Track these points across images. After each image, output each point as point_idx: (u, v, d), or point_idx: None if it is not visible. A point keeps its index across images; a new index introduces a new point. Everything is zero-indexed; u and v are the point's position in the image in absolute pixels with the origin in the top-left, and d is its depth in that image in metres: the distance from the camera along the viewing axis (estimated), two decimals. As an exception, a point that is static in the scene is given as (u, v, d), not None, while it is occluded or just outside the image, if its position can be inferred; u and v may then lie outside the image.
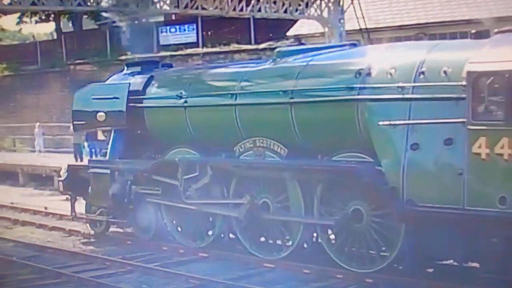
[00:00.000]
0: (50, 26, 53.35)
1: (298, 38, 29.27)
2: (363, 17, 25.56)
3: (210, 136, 14.70)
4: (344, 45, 14.24)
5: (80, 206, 17.45)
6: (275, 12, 25.88)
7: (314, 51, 14.07)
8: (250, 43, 32.71)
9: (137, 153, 16.19)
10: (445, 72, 11.39)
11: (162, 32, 36.83)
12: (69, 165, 17.49)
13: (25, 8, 22.39)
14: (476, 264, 11.59)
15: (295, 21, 29.22)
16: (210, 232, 15.02)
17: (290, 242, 13.64)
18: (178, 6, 24.16)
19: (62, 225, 18.55)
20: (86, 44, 41.08)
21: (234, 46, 32.74)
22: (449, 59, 11.50)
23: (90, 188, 16.47)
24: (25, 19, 48.94)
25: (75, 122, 17.21)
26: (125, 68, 17.29)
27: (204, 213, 14.76)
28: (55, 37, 47.85)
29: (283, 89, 13.38)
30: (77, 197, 17.29)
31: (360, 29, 25.38)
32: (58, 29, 46.01)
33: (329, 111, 12.77)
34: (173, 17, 36.24)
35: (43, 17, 47.41)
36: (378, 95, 12.10)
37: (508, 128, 10.50)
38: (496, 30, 11.71)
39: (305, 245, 13.63)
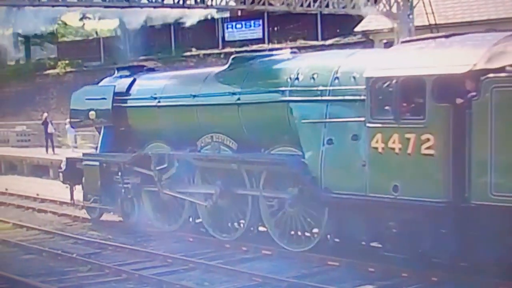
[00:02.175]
0: (114, 22, 51.97)
1: (366, 34, 28.78)
2: (433, 13, 25.15)
3: (178, 132, 16.66)
4: (284, 52, 15.96)
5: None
6: (343, 7, 25.32)
7: (263, 57, 15.89)
8: (316, 39, 32.38)
9: (122, 147, 18.24)
10: (353, 77, 13.18)
11: (227, 28, 36.74)
12: (67, 158, 19.69)
13: (93, 6, 22.65)
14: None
15: (363, 17, 27.66)
16: (180, 217, 16.96)
17: (242, 225, 15.55)
18: (244, 2, 23.81)
19: (122, 222, 18.47)
20: (151, 41, 40.65)
21: (300, 42, 32.14)
22: (358, 66, 13.25)
23: (83, 178, 18.63)
24: (88, 15, 47.66)
25: (72, 120, 19.41)
26: (116, 71, 19.32)
27: (174, 200, 16.74)
28: (118, 33, 47.39)
29: (232, 91, 15.33)
30: (75, 186, 19.38)
31: (429, 25, 24.85)
32: (122, 25, 45.02)
33: (267, 111, 14.66)
34: (239, 13, 35.94)
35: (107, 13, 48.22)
36: (302, 97, 13.95)
37: (398, 126, 12.21)
38: (401, 40, 13.40)
39: (252, 229, 15.50)
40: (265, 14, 33.85)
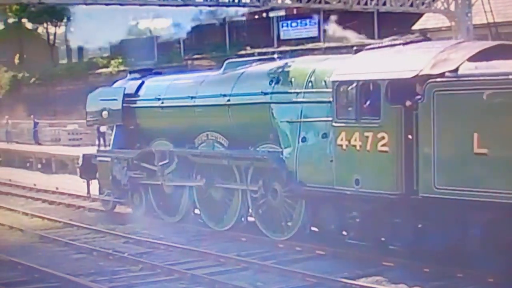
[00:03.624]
0: (168, 21, 53.25)
1: (424, 32, 26.81)
2: (491, 11, 25.05)
3: (179, 131, 18.15)
4: (273, 58, 17.31)
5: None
6: (400, 5, 25.20)
7: (253, 62, 17.28)
8: (373, 38, 30.92)
9: (131, 144, 19.80)
10: (324, 81, 14.51)
11: (282, 26, 36.54)
12: (83, 154, 21.33)
13: (148, 5, 22.86)
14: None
15: (420, 15, 28.13)
16: (180, 209, 18.42)
17: (234, 218, 16.95)
18: (300, 1, 23.83)
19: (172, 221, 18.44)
20: (205, 39, 40.43)
21: (356, 41, 32.57)
22: (329, 70, 14.55)
23: (97, 173, 20.25)
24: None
25: (88, 119, 21.04)
26: (128, 74, 20.90)
27: (175, 192, 18.23)
28: (172, 32, 46.30)
29: (223, 93, 16.76)
30: (91, 181, 21.00)
31: (488, 23, 24.88)
32: (176, 23, 44.64)
33: (253, 112, 16.07)
34: (295, 11, 35.86)
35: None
36: (281, 99, 15.32)
37: (358, 125, 13.52)
38: (366, 47, 14.69)
39: (243, 219, 16.90)
40: (321, 13, 32.94)
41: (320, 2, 23.86)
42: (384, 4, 24.84)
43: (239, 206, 16.69)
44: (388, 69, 13.16)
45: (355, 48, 14.90)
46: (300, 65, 15.66)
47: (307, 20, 35.04)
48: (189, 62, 38.14)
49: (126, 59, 43.07)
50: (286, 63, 16.09)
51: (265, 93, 15.70)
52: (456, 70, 12.18)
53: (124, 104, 19.56)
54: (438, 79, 12.28)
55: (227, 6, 23.57)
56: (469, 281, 12.19)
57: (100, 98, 20.44)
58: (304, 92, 14.91)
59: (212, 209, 17.43)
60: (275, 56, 17.20)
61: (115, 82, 21.32)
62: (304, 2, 23.70)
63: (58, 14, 49.20)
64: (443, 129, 12.22)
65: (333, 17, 31.19)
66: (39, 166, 35.44)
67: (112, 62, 44.63)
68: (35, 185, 27.19)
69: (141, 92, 19.57)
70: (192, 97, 17.67)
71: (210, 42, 39.44)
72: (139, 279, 13.15)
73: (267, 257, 14.48)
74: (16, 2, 26.12)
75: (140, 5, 22.98)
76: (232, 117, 16.59)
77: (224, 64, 17.75)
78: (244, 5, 23.37)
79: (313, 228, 15.46)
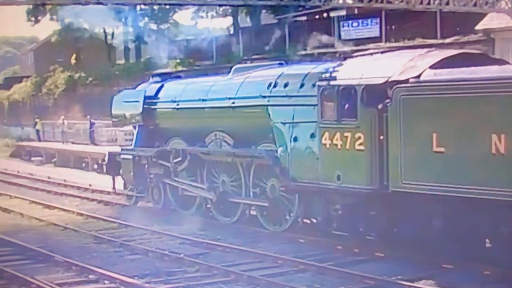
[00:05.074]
0: (227, 21, 52.12)
1: (487, 32, 27.52)
2: None
3: (192, 130, 19.72)
4: (274, 64, 18.75)
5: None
6: (463, 5, 24.69)
7: (258, 68, 18.73)
8: (435, 38, 30.64)
9: (151, 143, 21.42)
10: (314, 85, 15.90)
11: (343, 26, 35.98)
12: (109, 152, 23.06)
13: (207, 5, 22.54)
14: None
15: (484, 15, 27.25)
16: (195, 203, 19.95)
17: (238, 212, 18.44)
18: (362, 0, 23.49)
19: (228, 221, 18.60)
20: (264, 39, 39.13)
21: (419, 41, 30.68)
22: (318, 75, 15.93)
23: (121, 170, 21.94)
24: (201, 13, 47.80)
25: (113, 119, 22.77)
26: (151, 77, 22.56)
27: (188, 187, 19.81)
28: (231, 32, 47.11)
29: (229, 96, 18.28)
30: (116, 177, 22.69)
31: None
32: (235, 24, 45.16)
33: (253, 113, 17.56)
34: (356, 10, 35.48)
35: (220, 12, 46.75)
36: (276, 102, 16.78)
37: (339, 126, 14.91)
38: (354, 54, 16.06)
39: (247, 212, 18.38)
40: (383, 12, 32.39)
41: (382, 2, 23.42)
42: (447, 3, 24.41)
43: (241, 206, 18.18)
44: (364, 75, 14.51)
45: (343, 55, 16.23)
46: (294, 71, 17.10)
47: (369, 20, 34.29)
48: (248, 62, 36.36)
49: (184, 59, 42.45)
50: (285, 68, 17.57)
51: (264, 96, 17.16)
52: (419, 76, 13.52)
53: (144, 106, 21.20)
54: (403, 85, 13.61)
55: (287, 5, 24.08)
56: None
57: (124, 100, 22.15)
58: (297, 96, 16.31)
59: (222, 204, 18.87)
60: (276, 62, 18.53)
61: (138, 84, 22.94)
62: (366, 1, 23.33)
63: (116, 14, 48.82)
64: (408, 130, 13.57)
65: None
66: (95, 166, 33.84)
67: (170, 62, 43.11)
68: (90, 185, 27.16)
69: (160, 95, 21.18)
70: (203, 100, 19.24)
71: (269, 42, 37.50)
72: (195, 280, 13.14)
73: (325, 259, 14.45)
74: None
75: (200, 5, 22.95)
76: (236, 118, 18.08)
77: (232, 70, 19.25)
78: (304, 5, 24.00)
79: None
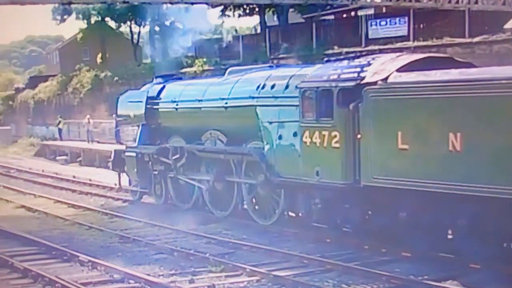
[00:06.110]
0: (253, 20, 51.81)
1: None
2: None
3: (189, 129, 20.79)
4: (265, 66, 19.76)
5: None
6: (492, 4, 24.71)
7: (250, 70, 19.75)
8: (464, 37, 30.51)
9: (153, 141, 22.53)
10: (297, 87, 16.87)
11: (371, 25, 35.95)
12: (114, 150, 24.20)
13: (235, 4, 22.48)
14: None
15: None
16: (192, 197, 21.02)
17: (231, 206, 19.47)
18: None
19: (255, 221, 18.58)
20: (291, 38, 39.87)
21: (447, 40, 30.72)
22: (302, 78, 16.89)
23: (125, 166, 23.07)
24: (227, 12, 47.40)
25: (118, 119, 23.93)
26: (154, 78, 23.66)
27: (186, 183, 20.87)
28: (258, 31, 47.07)
29: (222, 97, 19.32)
30: (122, 173, 23.82)
31: None
32: (262, 22, 45.05)
33: (243, 113, 18.54)
34: (384, 9, 35.57)
35: (247, 11, 46.41)
36: (264, 102, 17.78)
37: (318, 125, 15.88)
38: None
39: (239, 206, 19.40)
40: (411, 11, 32.41)
41: (410, 1, 23.53)
42: (476, 2, 24.48)
43: (235, 195, 19.20)
44: (339, 77, 15.47)
45: (325, 58, 17.18)
46: (281, 72, 18.11)
47: (397, 19, 34.13)
48: (275, 61, 36.04)
49: (210, 58, 42.61)
50: (273, 70, 18.57)
51: (253, 97, 18.17)
52: (386, 78, 14.48)
53: (147, 106, 22.30)
54: (372, 87, 14.56)
55: (313, 4, 24.50)
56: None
57: (128, 100, 23.28)
58: (282, 97, 17.29)
59: (215, 198, 19.93)
60: (267, 65, 19.54)
61: (143, 85, 24.05)
62: (394, 0, 23.40)
63: (143, 13, 46.67)
64: (377, 129, 14.53)
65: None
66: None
67: (197, 61, 43.81)
68: (115, 184, 25.91)
69: (162, 95, 22.28)
70: (199, 100, 20.29)
71: (296, 41, 38.63)
72: (220, 280, 13.20)
73: (352, 258, 14.48)
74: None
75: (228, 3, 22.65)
76: (229, 117, 19.12)
77: (227, 72, 20.29)
78: (332, 4, 24.43)
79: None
